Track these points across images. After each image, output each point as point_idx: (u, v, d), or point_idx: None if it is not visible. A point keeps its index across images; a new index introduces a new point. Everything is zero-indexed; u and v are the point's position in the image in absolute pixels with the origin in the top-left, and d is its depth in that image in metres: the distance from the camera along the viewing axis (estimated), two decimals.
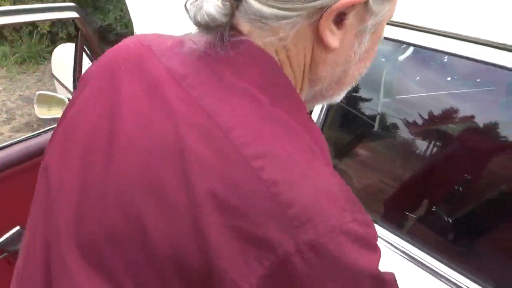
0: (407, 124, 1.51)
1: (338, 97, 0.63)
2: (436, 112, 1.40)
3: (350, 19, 0.52)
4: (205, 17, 0.50)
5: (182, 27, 0.67)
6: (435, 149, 1.39)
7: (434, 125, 1.39)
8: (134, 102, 0.55)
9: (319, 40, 0.53)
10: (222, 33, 0.52)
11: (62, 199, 0.57)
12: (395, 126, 1.60)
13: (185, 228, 0.46)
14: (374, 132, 1.66)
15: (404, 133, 1.50)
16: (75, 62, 1.64)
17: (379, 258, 0.47)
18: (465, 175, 1.16)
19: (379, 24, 0.56)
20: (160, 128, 0.51)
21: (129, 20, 2.80)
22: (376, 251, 0.47)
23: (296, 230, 0.43)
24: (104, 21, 5.41)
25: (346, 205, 0.46)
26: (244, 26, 0.53)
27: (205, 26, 0.51)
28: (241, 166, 0.46)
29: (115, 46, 0.64)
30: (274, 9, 0.50)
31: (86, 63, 1.65)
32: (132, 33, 2.72)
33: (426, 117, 1.41)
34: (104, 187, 0.53)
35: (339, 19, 0.52)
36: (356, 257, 0.44)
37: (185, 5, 0.52)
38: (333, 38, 0.52)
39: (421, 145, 1.45)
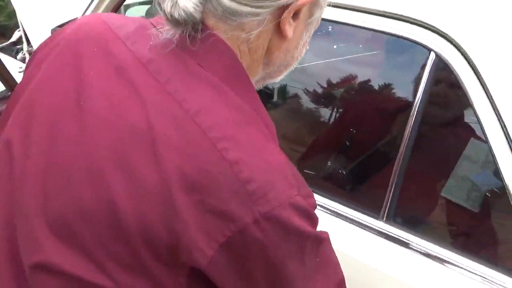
0: (303, 91, 1.62)
1: (281, 77, 0.70)
2: (328, 78, 1.51)
3: (303, 12, 0.59)
4: (183, 14, 0.53)
5: (67, 15, 0.68)
6: (329, 112, 1.52)
7: (326, 90, 1.52)
8: (103, 84, 0.57)
9: (277, 31, 0.59)
10: (193, 27, 0.55)
11: (28, 178, 0.58)
12: (292, 95, 1.71)
13: (154, 204, 0.51)
14: (274, 102, 1.75)
15: (302, 100, 1.60)
16: None
17: (317, 223, 0.57)
18: (351, 129, 1.30)
19: (320, 16, 0.64)
20: (130, 111, 0.54)
21: (13, 11, 2.61)
22: (315, 217, 0.56)
23: (254, 204, 0.50)
24: None
25: (293, 181, 0.54)
26: (209, 20, 0.56)
27: (183, 22, 0.54)
28: (207, 147, 0.51)
29: (75, 24, 0.65)
30: (246, 7, 0.54)
31: None
32: (17, 24, 2.55)
33: (319, 83, 1.53)
34: (73, 165, 0.55)
35: (295, 12, 0.58)
36: (300, 224, 0.53)
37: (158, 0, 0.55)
38: (290, 29, 0.59)
39: (318, 109, 1.56)
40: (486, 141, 0.88)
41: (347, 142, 1.31)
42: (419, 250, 0.97)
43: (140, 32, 0.60)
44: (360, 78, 1.41)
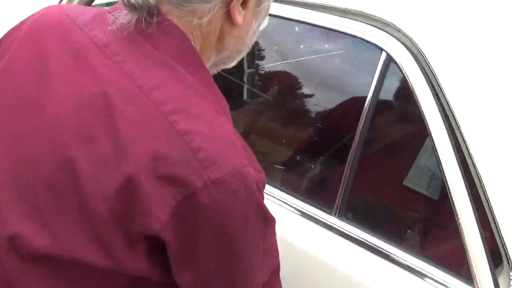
0: (273, 91, 1.63)
1: (234, 63, 0.75)
2: (295, 77, 1.53)
3: (251, 2, 0.64)
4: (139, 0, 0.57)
5: (33, 7, 0.70)
6: (283, 112, 1.54)
7: (279, 91, 1.55)
8: (62, 67, 0.61)
9: (228, 18, 0.64)
10: (149, 12, 0.59)
11: None
12: (262, 94, 1.72)
13: (113, 173, 0.54)
14: (245, 101, 1.76)
15: (272, 99, 1.62)
16: None
17: (264, 199, 0.59)
18: (318, 124, 1.33)
19: (269, 6, 0.69)
20: (88, 88, 0.58)
21: None
22: (263, 193, 0.59)
23: (204, 170, 0.53)
24: None
25: (243, 153, 0.57)
26: (163, 6, 0.61)
27: (139, 7, 0.58)
28: (160, 120, 0.55)
29: (37, 14, 0.68)
30: None
31: None
32: None
33: (288, 82, 1.54)
34: (37, 138, 0.59)
35: (244, 1, 0.63)
36: (249, 194, 0.55)
37: None
38: (239, 16, 0.64)
39: (287, 107, 1.57)
40: (430, 138, 0.90)
41: (304, 140, 1.33)
42: (371, 245, 0.99)
43: (97, 19, 0.64)
44: (313, 77, 1.44)
